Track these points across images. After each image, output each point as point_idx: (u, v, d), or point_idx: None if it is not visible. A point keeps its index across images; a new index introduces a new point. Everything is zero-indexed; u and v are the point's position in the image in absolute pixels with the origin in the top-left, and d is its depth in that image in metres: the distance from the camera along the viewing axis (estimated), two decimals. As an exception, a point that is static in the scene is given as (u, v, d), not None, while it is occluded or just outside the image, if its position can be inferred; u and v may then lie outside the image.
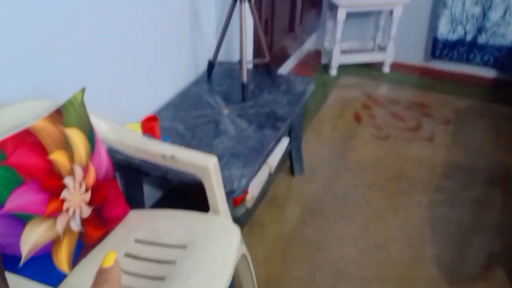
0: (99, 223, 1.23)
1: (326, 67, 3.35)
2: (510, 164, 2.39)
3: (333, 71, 3.27)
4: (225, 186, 1.42)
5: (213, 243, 1.25)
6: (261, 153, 1.59)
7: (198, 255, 1.21)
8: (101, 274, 0.34)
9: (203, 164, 1.29)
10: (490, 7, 2.94)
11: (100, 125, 1.29)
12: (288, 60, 3.19)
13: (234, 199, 1.75)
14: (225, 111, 1.81)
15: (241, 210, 1.79)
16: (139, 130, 1.51)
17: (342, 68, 3.32)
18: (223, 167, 1.49)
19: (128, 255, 1.25)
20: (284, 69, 3.15)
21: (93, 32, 1.41)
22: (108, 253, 0.35)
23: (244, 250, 1.37)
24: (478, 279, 1.77)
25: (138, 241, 1.28)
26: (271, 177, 2.08)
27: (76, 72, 1.39)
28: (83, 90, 1.21)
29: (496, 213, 2.07)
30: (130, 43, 1.60)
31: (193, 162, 1.30)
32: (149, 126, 1.49)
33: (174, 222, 1.33)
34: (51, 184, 1.02)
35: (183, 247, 1.25)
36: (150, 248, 1.26)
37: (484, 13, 2.98)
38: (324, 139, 2.61)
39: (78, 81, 1.39)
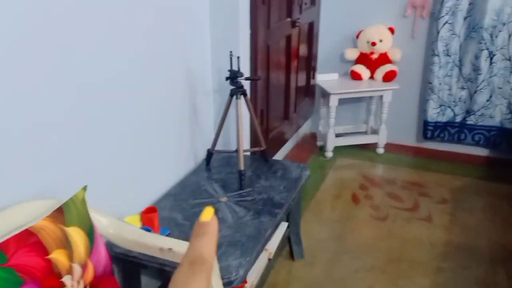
0: (96, 320, 1.23)
1: (322, 149, 3.45)
2: (510, 242, 2.39)
3: (329, 154, 3.37)
4: (223, 277, 1.43)
5: (210, 338, 1.23)
6: (259, 241, 1.62)
7: None
8: (201, 227, 0.36)
9: (200, 256, 1.32)
10: (476, 91, 3.09)
11: (100, 221, 1.33)
12: (286, 144, 3.30)
13: (233, 288, 1.73)
14: (223, 199, 1.86)
15: (240, 300, 1.77)
16: (138, 222, 1.55)
17: (338, 149, 3.42)
18: (220, 256, 1.51)
19: None
20: (282, 152, 3.24)
21: (94, 129, 1.50)
22: (206, 208, 0.38)
23: None
24: None
25: (134, 337, 1.27)
26: (270, 263, 2.08)
27: (79, 168, 1.46)
28: (85, 188, 1.27)
29: (500, 295, 2.04)
30: (130, 136, 1.69)
31: (190, 254, 1.33)
32: (148, 218, 1.54)
33: (171, 317, 1.33)
34: (50, 283, 1.05)
35: None
36: None
37: (471, 97, 3.13)
38: (323, 221, 2.63)
39: (80, 176, 1.46)
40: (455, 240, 2.43)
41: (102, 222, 1.33)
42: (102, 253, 1.25)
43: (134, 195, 1.74)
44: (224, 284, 1.42)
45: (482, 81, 3.04)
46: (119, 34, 1.54)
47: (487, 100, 3.10)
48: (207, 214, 0.37)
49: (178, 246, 1.34)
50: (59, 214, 1.14)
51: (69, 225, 1.16)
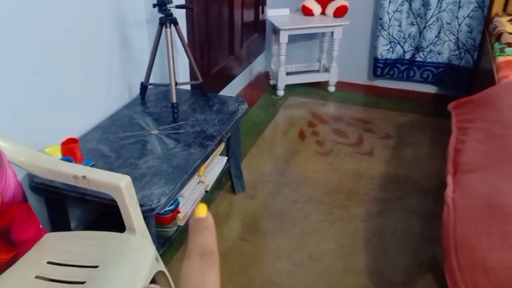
0: (7, 247, 1.22)
1: (274, 87, 3.42)
2: (445, 173, 2.47)
3: (280, 92, 3.35)
4: (144, 205, 1.44)
5: (124, 261, 1.26)
6: (185, 171, 1.62)
7: (107, 274, 1.21)
8: (199, 222, 0.36)
9: (115, 183, 1.31)
10: (425, 27, 3.09)
11: (8, 148, 1.29)
12: (238, 82, 3.25)
13: (164, 218, 1.76)
14: (154, 131, 1.84)
15: (172, 229, 1.80)
16: (58, 153, 1.52)
17: (290, 88, 3.40)
18: (144, 186, 1.51)
19: (39, 277, 1.24)
20: (234, 90, 3.21)
21: (17, 56, 1.43)
22: (199, 204, 0.38)
23: (161, 267, 1.38)
24: (408, 286, 1.81)
25: (50, 263, 1.28)
26: (208, 196, 2.10)
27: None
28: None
29: (427, 221, 2.14)
30: (51, 66, 1.62)
31: (105, 181, 1.32)
32: (68, 149, 1.51)
33: (88, 243, 1.34)
34: None
35: (94, 267, 1.25)
36: (62, 270, 1.26)
37: (420, 33, 3.13)
38: (268, 157, 2.65)
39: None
40: (394, 173, 2.50)
41: (11, 149, 1.30)
42: (10, 180, 1.23)
43: (59, 128, 1.69)
44: (146, 211, 1.43)
45: (431, 16, 3.03)
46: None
47: (436, 36, 3.10)
48: (202, 210, 0.36)
49: (92, 174, 1.32)
50: (-46, 139, 1.10)
51: (-32, 151, 1.13)
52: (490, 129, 1.61)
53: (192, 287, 0.31)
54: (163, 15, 1.83)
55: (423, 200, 2.28)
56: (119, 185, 1.31)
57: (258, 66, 3.64)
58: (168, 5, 1.81)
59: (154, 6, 1.81)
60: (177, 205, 1.81)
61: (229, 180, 2.34)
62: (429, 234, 2.06)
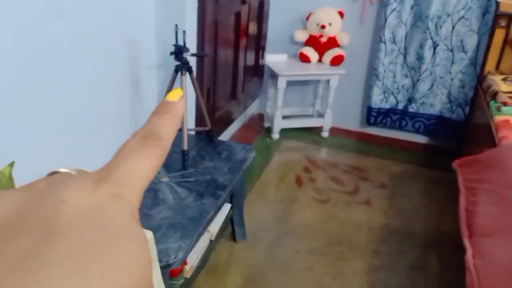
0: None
1: (269, 130, 3.43)
2: (443, 228, 2.50)
3: (275, 135, 3.36)
4: (161, 260, 1.38)
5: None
6: (200, 223, 1.58)
7: None
8: (164, 105, 0.30)
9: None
10: (418, 80, 3.19)
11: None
12: (233, 124, 3.25)
13: (171, 270, 1.69)
14: (165, 179, 1.80)
15: (179, 282, 1.73)
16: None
17: (284, 131, 3.42)
18: (160, 239, 1.46)
19: None
20: (228, 133, 3.19)
21: (27, 106, 1.39)
22: (174, 88, 0.32)
23: (179, 329, 1.31)
24: None
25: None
26: (212, 245, 2.05)
27: (5, 147, 1.34)
28: (12, 164, 1.16)
29: (430, 277, 2.14)
30: (61, 116, 1.58)
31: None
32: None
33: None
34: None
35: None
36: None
37: (414, 85, 3.23)
38: (266, 203, 2.63)
39: (8, 156, 1.34)
40: (392, 224, 2.51)
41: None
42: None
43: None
44: (162, 267, 1.37)
45: (425, 70, 3.13)
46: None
47: (428, 89, 3.20)
48: (175, 94, 0.31)
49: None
50: (-22, 194, 1.03)
51: (-11, 205, 1.06)
52: (502, 193, 1.64)
53: (114, 167, 0.25)
54: (179, 63, 1.82)
55: (423, 254, 2.29)
56: (141, 242, 1.25)
57: (252, 108, 3.66)
58: (184, 54, 1.81)
59: (171, 54, 1.80)
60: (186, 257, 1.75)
61: (229, 227, 2.29)
62: (433, 290, 2.05)
